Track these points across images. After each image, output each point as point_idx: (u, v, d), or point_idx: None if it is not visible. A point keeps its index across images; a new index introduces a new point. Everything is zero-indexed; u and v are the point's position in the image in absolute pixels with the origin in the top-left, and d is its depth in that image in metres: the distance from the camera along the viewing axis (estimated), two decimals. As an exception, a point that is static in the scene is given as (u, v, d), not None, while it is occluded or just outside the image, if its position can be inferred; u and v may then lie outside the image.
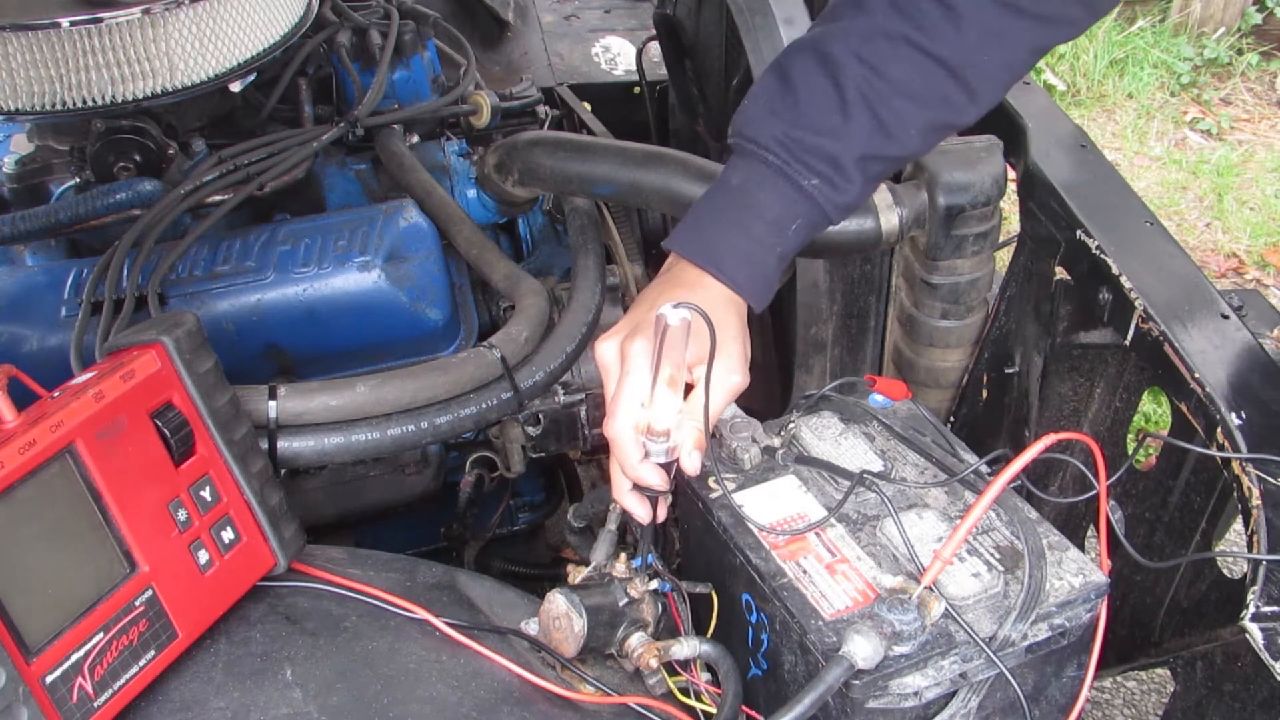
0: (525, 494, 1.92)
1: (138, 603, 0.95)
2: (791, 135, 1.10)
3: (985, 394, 1.63)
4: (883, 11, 1.10)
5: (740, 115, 1.14)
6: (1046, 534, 1.07)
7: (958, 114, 1.14)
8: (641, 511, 1.12)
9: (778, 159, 1.10)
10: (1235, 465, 1.10)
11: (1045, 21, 1.11)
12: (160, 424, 0.99)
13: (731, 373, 1.10)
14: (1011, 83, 1.16)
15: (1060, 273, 1.44)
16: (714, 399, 1.07)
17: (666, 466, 1.09)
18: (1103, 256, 1.34)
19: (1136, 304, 1.27)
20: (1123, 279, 1.30)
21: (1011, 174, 1.57)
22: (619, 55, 2.52)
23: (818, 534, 1.09)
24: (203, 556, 1.01)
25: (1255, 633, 0.98)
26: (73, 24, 1.43)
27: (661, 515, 1.13)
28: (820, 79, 1.10)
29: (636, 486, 1.11)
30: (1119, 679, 2.30)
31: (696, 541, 1.21)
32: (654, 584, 1.10)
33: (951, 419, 1.69)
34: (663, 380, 1.05)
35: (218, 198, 1.55)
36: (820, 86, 1.10)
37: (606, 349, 1.13)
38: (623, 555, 1.13)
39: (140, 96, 1.51)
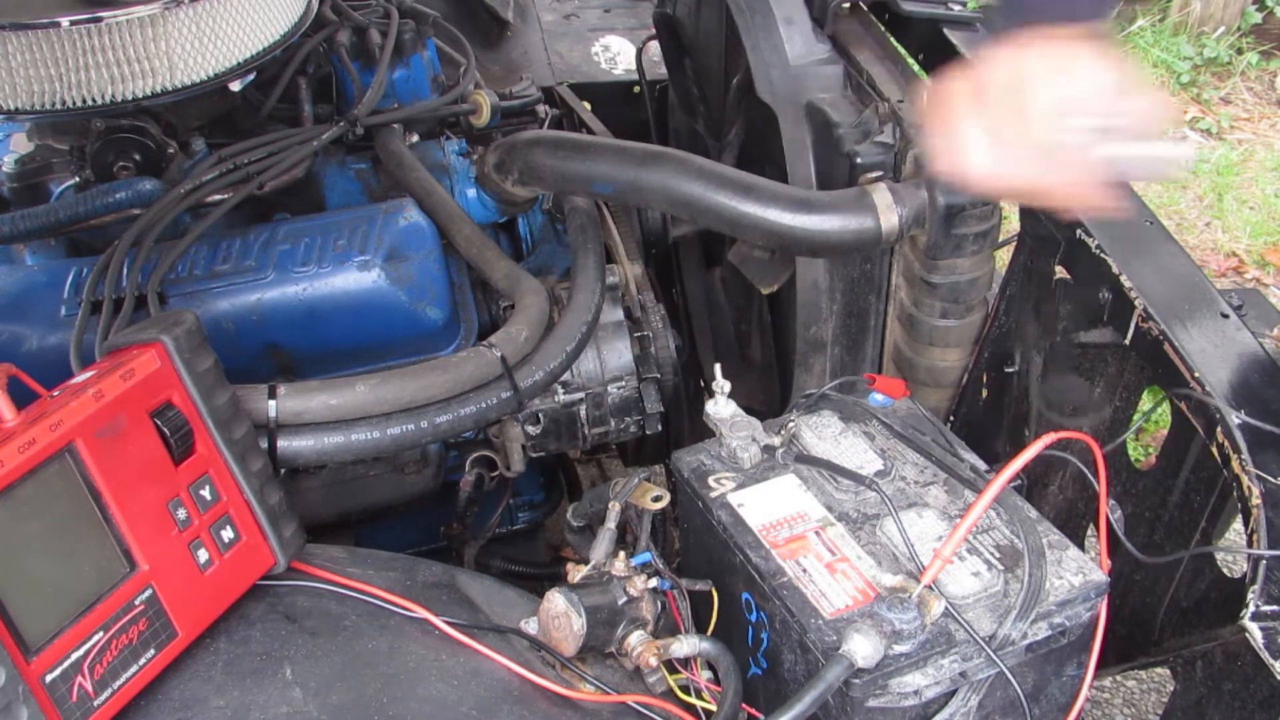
0: (525, 493, 1.92)
1: (137, 602, 0.95)
2: None
3: (985, 393, 1.63)
4: None
5: None
6: (1046, 533, 1.08)
7: None
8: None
9: None
10: (1235, 464, 1.10)
11: None
12: (160, 423, 0.99)
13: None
14: None
15: (1060, 272, 1.44)
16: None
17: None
18: (1103, 256, 1.33)
19: (1136, 303, 1.27)
20: (1123, 278, 1.30)
21: (1011, 173, 1.56)
22: (619, 54, 2.52)
23: (817, 533, 1.09)
24: (202, 555, 1.01)
25: (1255, 632, 0.98)
26: (73, 23, 1.42)
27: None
28: None
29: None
30: (1119, 678, 2.30)
31: (696, 540, 1.21)
32: (653, 582, 1.10)
33: (951, 418, 1.69)
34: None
35: (217, 197, 1.55)
36: None
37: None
38: (622, 554, 1.13)
39: (140, 96, 1.50)
